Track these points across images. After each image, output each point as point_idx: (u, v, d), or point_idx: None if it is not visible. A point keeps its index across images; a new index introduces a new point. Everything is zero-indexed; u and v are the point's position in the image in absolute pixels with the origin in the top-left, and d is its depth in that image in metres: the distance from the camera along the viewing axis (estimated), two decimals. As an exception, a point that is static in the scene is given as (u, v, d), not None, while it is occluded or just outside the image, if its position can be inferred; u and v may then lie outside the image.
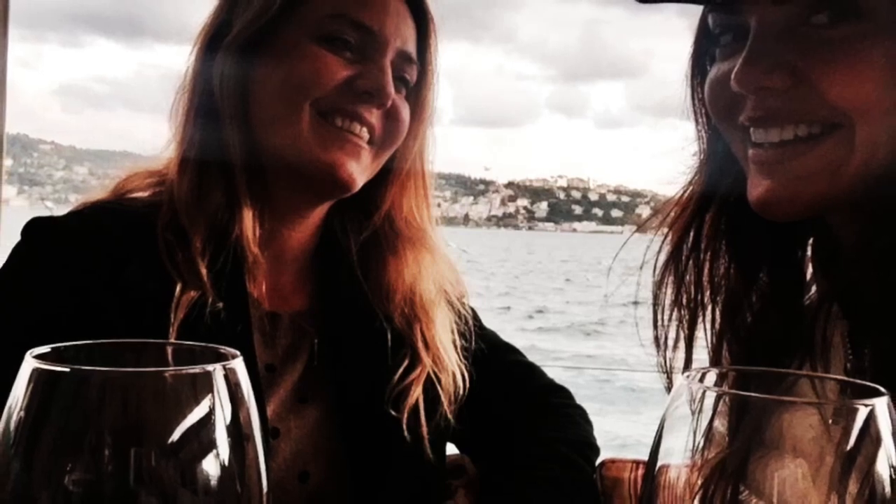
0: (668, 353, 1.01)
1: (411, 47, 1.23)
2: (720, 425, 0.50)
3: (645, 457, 0.52)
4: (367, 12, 1.18)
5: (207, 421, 0.47)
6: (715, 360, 1.00)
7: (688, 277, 1.00)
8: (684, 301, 1.00)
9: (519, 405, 1.34)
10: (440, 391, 1.24)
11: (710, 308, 1.00)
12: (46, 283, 1.11)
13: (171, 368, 0.48)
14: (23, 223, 1.15)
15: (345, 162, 1.16)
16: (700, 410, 0.50)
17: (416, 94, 1.25)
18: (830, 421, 0.48)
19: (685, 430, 0.50)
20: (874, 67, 0.82)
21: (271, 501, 0.50)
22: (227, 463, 0.47)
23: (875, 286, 0.86)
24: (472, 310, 1.36)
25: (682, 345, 1.00)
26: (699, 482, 0.50)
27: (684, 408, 0.50)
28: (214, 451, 0.47)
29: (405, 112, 1.23)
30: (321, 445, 1.20)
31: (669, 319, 1.01)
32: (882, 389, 0.49)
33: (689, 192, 1.01)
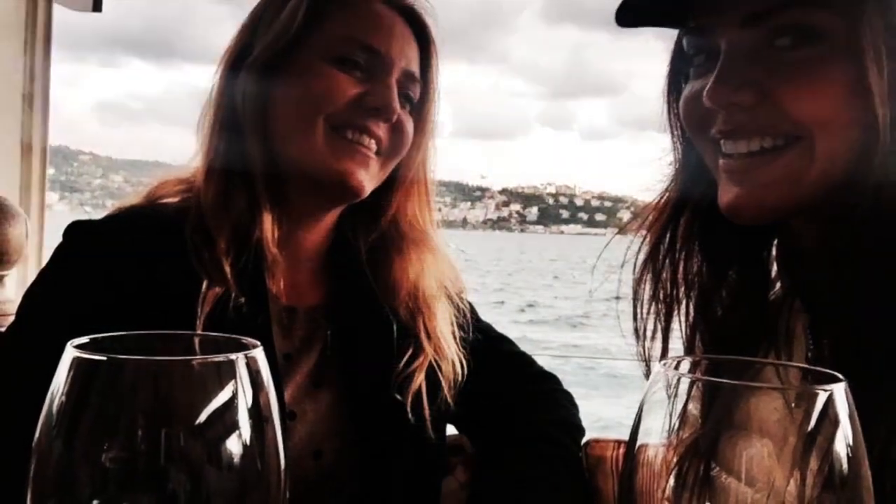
0: (647, 343, 1.01)
1: (415, 67, 1.23)
2: (693, 408, 0.50)
3: (626, 437, 0.52)
4: (375, 36, 1.18)
5: (231, 404, 0.47)
6: (689, 350, 1.00)
7: (664, 275, 1.00)
8: (661, 296, 1.00)
9: (512, 390, 1.34)
10: (441, 378, 1.24)
11: (684, 302, 1.00)
12: (85, 281, 1.11)
13: (197, 357, 0.48)
14: (64, 226, 1.15)
15: (355, 171, 1.16)
16: (675, 395, 0.50)
17: (420, 109, 1.25)
18: (793, 405, 0.48)
19: (662, 413, 0.50)
20: (833, 86, 0.82)
21: (288, 477, 0.50)
22: (248, 442, 0.47)
23: (833, 283, 0.86)
24: (470, 304, 1.36)
25: (659, 336, 1.00)
26: (674, 460, 0.50)
27: (661, 393, 0.50)
28: (237, 432, 0.47)
29: (409, 126, 1.23)
30: (334, 427, 1.20)
31: (648, 313, 1.00)
32: (840, 376, 0.49)
33: (665, 197, 1.01)
